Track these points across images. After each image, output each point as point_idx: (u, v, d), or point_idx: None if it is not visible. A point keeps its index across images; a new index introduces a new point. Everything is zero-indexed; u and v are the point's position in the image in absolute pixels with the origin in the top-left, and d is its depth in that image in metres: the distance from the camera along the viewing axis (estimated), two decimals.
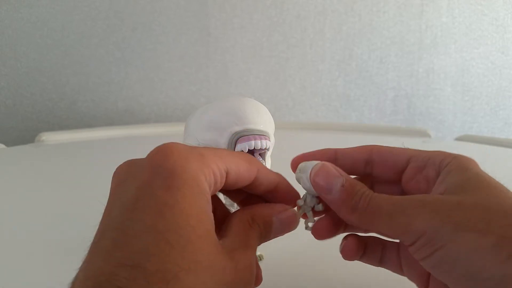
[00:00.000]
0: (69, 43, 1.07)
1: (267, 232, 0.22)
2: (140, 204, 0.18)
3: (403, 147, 0.26)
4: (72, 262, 0.20)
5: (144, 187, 0.19)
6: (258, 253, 0.33)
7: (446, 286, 0.21)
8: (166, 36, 1.11)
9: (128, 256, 0.17)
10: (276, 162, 0.33)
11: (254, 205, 0.24)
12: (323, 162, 0.24)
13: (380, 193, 0.22)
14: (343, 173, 0.23)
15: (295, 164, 0.26)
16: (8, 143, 0.83)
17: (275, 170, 0.33)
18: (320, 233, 0.25)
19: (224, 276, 0.19)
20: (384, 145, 0.26)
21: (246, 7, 1.14)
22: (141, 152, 0.26)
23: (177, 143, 0.21)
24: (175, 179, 0.19)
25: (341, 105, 1.22)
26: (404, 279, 0.26)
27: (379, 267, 0.26)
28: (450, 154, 0.24)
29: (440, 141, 1.05)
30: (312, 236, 0.25)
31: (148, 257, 0.17)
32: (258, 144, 0.28)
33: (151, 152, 0.21)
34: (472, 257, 0.18)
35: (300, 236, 0.27)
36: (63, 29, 1.06)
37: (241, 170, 0.22)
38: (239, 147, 0.28)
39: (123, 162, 0.22)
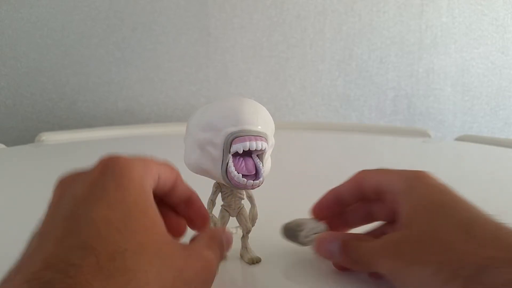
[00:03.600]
0: (69, 43, 1.07)
1: (221, 246, 0.26)
2: (92, 198, 0.21)
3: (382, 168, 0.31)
4: None
5: (95, 184, 0.21)
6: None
7: None
8: (166, 36, 1.11)
9: (81, 241, 0.19)
10: (276, 162, 0.33)
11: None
12: (320, 236, 0.29)
13: (365, 238, 0.28)
14: (338, 235, 0.29)
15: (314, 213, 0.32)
16: (8, 143, 0.83)
17: (275, 171, 0.33)
18: (341, 268, 0.30)
19: (173, 261, 0.21)
20: (375, 167, 0.31)
21: (246, 7, 1.14)
22: (141, 152, 0.26)
23: (122, 154, 0.24)
24: (123, 179, 0.22)
25: (341, 105, 1.22)
26: None
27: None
28: (402, 178, 0.28)
29: (440, 141, 1.05)
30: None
31: (98, 240, 0.19)
32: (253, 145, 0.27)
33: (100, 159, 0.23)
34: (420, 285, 0.22)
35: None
36: (63, 29, 1.06)
37: (167, 174, 0.26)
38: (234, 147, 0.27)
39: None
